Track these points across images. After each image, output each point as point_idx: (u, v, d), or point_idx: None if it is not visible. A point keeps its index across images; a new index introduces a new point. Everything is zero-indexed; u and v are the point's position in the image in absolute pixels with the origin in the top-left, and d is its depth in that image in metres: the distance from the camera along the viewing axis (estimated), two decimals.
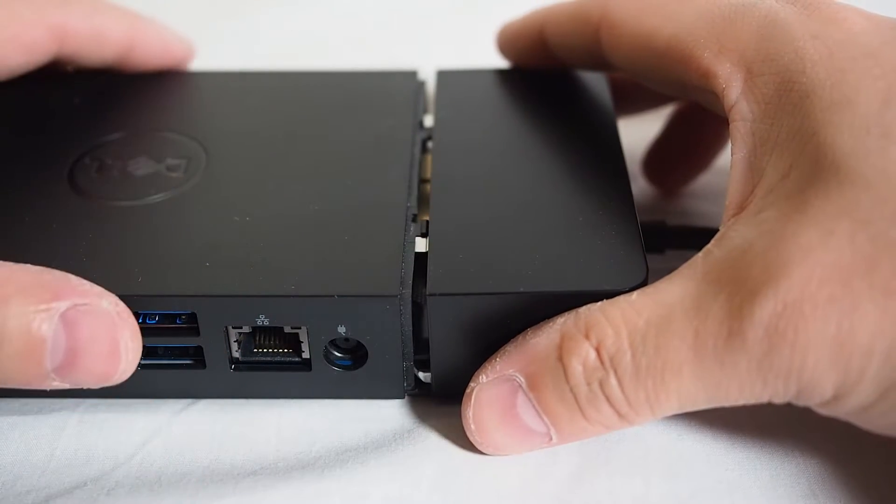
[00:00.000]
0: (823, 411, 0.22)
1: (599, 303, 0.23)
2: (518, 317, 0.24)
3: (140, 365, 0.25)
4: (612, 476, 0.25)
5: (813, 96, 0.23)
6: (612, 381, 0.22)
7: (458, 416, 0.26)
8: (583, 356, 0.23)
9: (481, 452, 0.25)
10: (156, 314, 0.25)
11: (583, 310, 0.24)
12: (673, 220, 0.30)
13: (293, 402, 0.27)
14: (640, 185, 0.35)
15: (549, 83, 0.33)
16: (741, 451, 0.25)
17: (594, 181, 0.28)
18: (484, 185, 0.28)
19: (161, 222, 0.27)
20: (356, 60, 0.42)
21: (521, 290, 0.24)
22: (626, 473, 0.25)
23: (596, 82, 0.32)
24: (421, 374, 0.26)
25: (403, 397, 0.27)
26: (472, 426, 0.25)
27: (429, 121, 0.32)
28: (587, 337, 0.23)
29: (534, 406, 0.24)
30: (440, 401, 0.27)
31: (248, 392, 0.27)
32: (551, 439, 0.24)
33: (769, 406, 0.26)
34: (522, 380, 0.24)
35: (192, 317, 0.25)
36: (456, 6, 0.46)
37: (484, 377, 0.24)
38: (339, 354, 0.26)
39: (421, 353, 0.26)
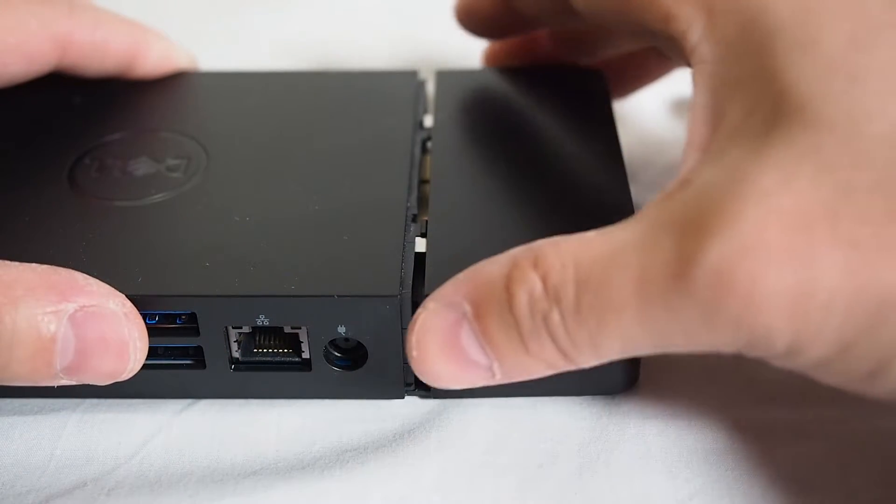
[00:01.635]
0: (776, 363, 0.21)
1: (555, 237, 0.22)
2: None
3: None
4: (612, 476, 0.25)
5: (777, 36, 0.22)
6: (556, 316, 0.21)
7: (459, 417, 0.26)
8: (529, 286, 0.22)
9: (481, 452, 0.25)
10: (156, 314, 0.25)
11: (536, 242, 0.22)
12: None
13: (293, 402, 0.27)
14: (639, 184, 0.35)
15: (548, 82, 0.33)
16: (741, 451, 0.25)
17: (592, 179, 0.28)
18: (483, 184, 0.28)
19: (161, 222, 0.27)
20: (356, 60, 0.43)
21: None
22: (626, 473, 0.25)
23: (595, 81, 0.32)
24: None
25: (403, 397, 0.27)
26: (414, 353, 0.23)
27: (429, 121, 0.32)
28: (535, 267, 0.22)
29: (477, 337, 0.22)
30: (440, 401, 0.27)
31: (248, 392, 0.27)
32: (494, 375, 0.23)
33: (770, 406, 0.26)
34: (468, 308, 0.22)
35: (192, 317, 0.25)
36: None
37: (432, 304, 0.23)
38: (339, 354, 0.26)
39: None
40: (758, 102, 0.21)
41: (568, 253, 0.22)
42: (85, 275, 0.24)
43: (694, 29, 0.24)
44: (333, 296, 0.24)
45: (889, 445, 0.25)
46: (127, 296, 0.24)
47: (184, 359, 0.26)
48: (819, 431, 0.25)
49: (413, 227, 0.27)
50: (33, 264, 0.24)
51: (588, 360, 0.22)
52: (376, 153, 0.29)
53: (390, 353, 0.25)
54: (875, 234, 0.19)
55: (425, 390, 0.27)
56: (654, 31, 0.25)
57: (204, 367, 0.26)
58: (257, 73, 0.34)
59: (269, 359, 0.26)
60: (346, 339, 0.25)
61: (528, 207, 0.27)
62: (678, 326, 0.20)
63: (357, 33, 0.45)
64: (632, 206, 0.27)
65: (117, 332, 0.23)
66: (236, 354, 0.26)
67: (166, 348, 0.26)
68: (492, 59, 0.35)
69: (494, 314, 0.22)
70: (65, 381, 0.23)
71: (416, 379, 0.26)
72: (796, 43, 0.22)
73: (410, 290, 0.25)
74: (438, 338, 0.23)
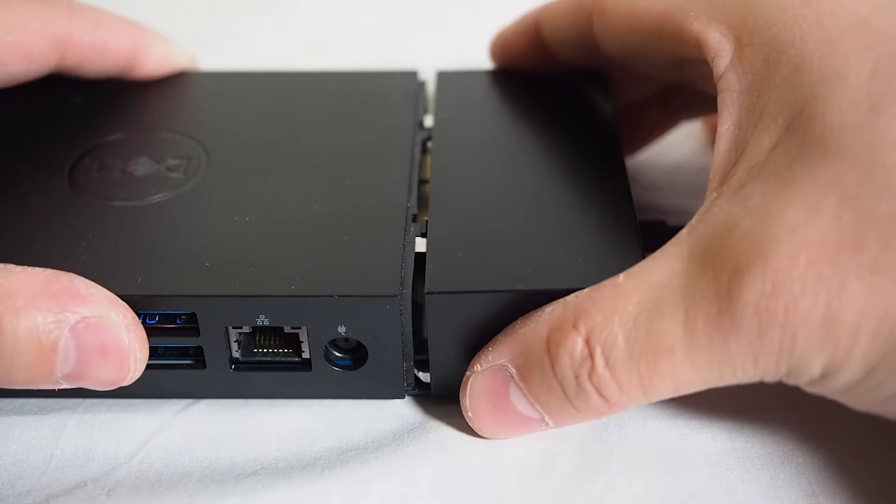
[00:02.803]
0: (811, 389, 0.22)
1: (587, 289, 0.23)
2: (516, 315, 0.24)
3: None
4: (612, 476, 0.25)
5: (802, 70, 0.22)
6: (602, 370, 0.22)
7: (459, 416, 0.26)
8: (570, 347, 0.23)
9: (481, 452, 0.25)
10: (156, 314, 0.25)
11: (570, 298, 0.23)
12: (672, 220, 0.30)
13: (293, 402, 0.27)
14: (640, 185, 0.35)
15: (549, 83, 0.33)
16: (741, 451, 0.25)
17: (593, 180, 0.28)
18: (483, 184, 0.28)
19: (161, 222, 0.27)
20: (356, 61, 0.42)
21: (520, 288, 0.24)
22: (626, 473, 0.25)
23: (596, 82, 0.32)
24: (421, 374, 0.26)
25: (403, 397, 0.27)
26: (469, 414, 0.25)
27: (429, 121, 0.32)
28: (575, 326, 0.23)
29: (525, 395, 0.24)
30: (440, 401, 0.27)
31: (248, 392, 0.27)
32: (547, 424, 0.24)
33: (770, 406, 0.26)
34: (513, 370, 0.24)
35: (193, 317, 0.25)
36: (456, 6, 0.46)
37: (478, 366, 0.24)
38: (339, 354, 0.26)
39: (421, 352, 0.26)
40: (783, 135, 0.22)
41: (608, 304, 0.22)
42: (87, 282, 0.24)
43: (722, 57, 0.24)
44: (334, 296, 0.24)
45: (890, 446, 0.25)
46: (127, 296, 0.24)
47: (184, 359, 0.26)
48: (820, 432, 0.25)
49: (413, 227, 0.27)
50: (36, 269, 0.24)
51: (637, 403, 0.23)
52: (376, 153, 0.29)
53: (390, 353, 0.25)
54: None
55: (426, 390, 0.27)
56: (683, 60, 0.26)
57: (204, 367, 0.26)
58: (257, 73, 0.34)
59: (269, 359, 0.26)
60: (347, 339, 0.25)
61: (527, 207, 0.27)
62: (726, 361, 0.21)
63: (357, 33, 0.45)
64: (632, 205, 0.27)
65: (118, 343, 0.24)
66: (236, 354, 0.26)
67: (166, 348, 0.26)
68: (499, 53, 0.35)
69: (538, 377, 0.23)
70: (65, 386, 0.24)
71: (417, 379, 0.26)
72: (822, 77, 0.22)
73: (410, 290, 0.25)
74: (489, 399, 0.24)
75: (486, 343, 0.25)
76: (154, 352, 0.25)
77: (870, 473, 0.24)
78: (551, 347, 0.23)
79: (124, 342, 0.24)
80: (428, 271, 0.25)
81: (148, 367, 0.25)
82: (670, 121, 0.35)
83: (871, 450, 0.25)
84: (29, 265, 0.24)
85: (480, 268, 0.25)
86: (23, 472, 0.25)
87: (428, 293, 0.24)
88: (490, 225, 0.26)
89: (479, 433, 0.25)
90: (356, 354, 0.26)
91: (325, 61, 0.42)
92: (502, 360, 0.24)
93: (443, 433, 0.26)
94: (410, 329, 0.25)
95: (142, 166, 0.29)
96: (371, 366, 0.25)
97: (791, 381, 0.22)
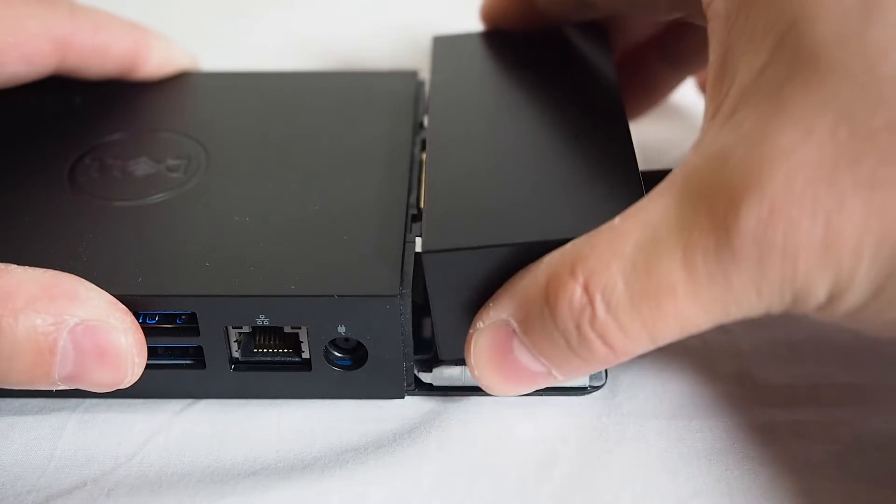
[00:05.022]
0: (820, 317, 0.21)
1: (584, 235, 0.22)
2: (517, 270, 0.23)
3: None
4: (612, 476, 0.25)
5: None
6: (604, 316, 0.21)
7: (459, 416, 0.26)
8: (569, 295, 0.22)
9: (481, 452, 0.25)
10: (156, 314, 0.25)
11: (568, 246, 0.22)
12: None
13: (293, 402, 0.27)
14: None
15: (546, 40, 0.32)
16: (741, 451, 0.25)
17: (593, 132, 0.27)
18: (480, 142, 0.27)
19: (161, 222, 0.27)
20: (357, 61, 0.42)
21: (517, 241, 0.23)
22: (626, 473, 0.25)
23: (594, 36, 0.31)
24: (422, 375, 0.26)
25: (403, 397, 0.27)
26: (476, 372, 0.24)
27: (426, 120, 0.32)
28: (573, 273, 0.22)
29: (529, 349, 0.23)
30: (440, 401, 0.27)
31: (248, 392, 0.27)
32: (555, 377, 0.23)
33: (770, 406, 0.26)
34: (515, 324, 0.23)
35: (192, 317, 0.25)
36: (457, 6, 0.46)
37: (480, 323, 0.24)
38: (339, 354, 0.26)
39: (422, 353, 0.26)
40: (772, 56, 0.21)
41: (605, 248, 0.21)
42: (87, 284, 0.24)
43: None
44: (333, 295, 0.24)
45: (889, 446, 0.25)
46: (127, 295, 0.24)
47: (184, 359, 0.26)
48: (820, 432, 0.25)
49: (413, 227, 0.27)
50: (37, 271, 0.24)
51: (644, 348, 0.22)
52: (376, 153, 0.29)
53: (390, 353, 0.25)
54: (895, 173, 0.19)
55: (426, 390, 0.27)
56: None
57: (204, 367, 0.26)
58: (257, 74, 0.34)
59: (269, 359, 0.26)
60: (346, 339, 0.25)
61: (526, 163, 0.26)
62: (729, 295, 0.21)
63: (357, 33, 0.45)
64: (634, 157, 0.26)
65: (116, 347, 0.24)
66: (236, 354, 0.26)
67: (166, 348, 0.26)
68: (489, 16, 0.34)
69: (539, 328, 0.22)
70: (63, 387, 0.24)
71: (417, 379, 0.26)
72: None
73: (410, 290, 0.25)
74: (494, 354, 0.24)
75: (488, 300, 0.24)
76: (154, 352, 0.26)
77: (870, 474, 0.24)
78: (550, 297, 0.22)
79: (122, 346, 0.24)
80: (424, 230, 0.24)
81: (148, 367, 0.25)
82: (675, 75, 0.34)
83: (871, 450, 0.25)
84: (29, 265, 0.24)
85: (478, 224, 0.24)
86: (23, 473, 0.25)
87: (424, 252, 0.23)
88: (487, 182, 0.25)
89: (487, 391, 0.24)
90: (356, 354, 0.26)
91: (326, 62, 0.42)
92: (504, 315, 0.23)
93: (443, 433, 0.26)
94: (411, 329, 0.25)
95: (142, 166, 0.29)
96: (371, 366, 0.25)
97: (798, 310, 0.21)
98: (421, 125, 0.31)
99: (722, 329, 0.27)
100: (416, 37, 0.44)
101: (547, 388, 0.26)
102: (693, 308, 0.21)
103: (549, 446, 0.25)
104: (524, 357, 0.23)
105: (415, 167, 0.29)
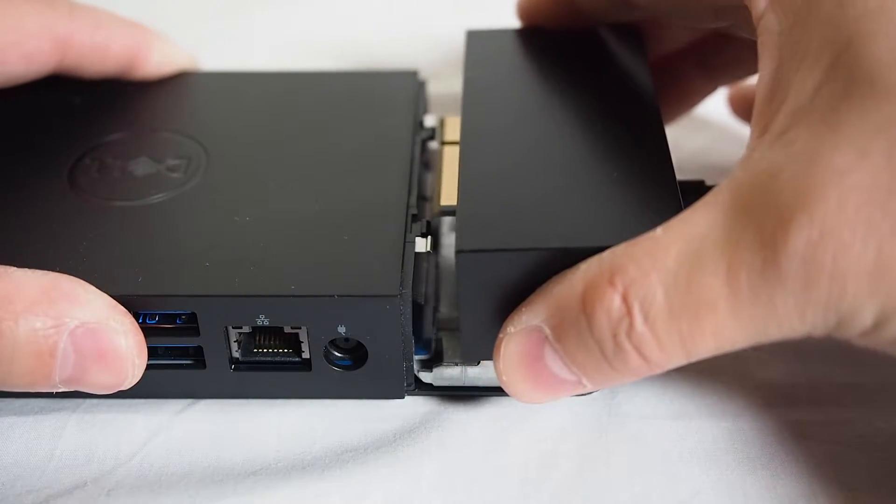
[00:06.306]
0: (862, 342, 0.21)
1: (623, 244, 0.22)
2: (551, 275, 0.23)
3: None
4: (611, 476, 0.25)
5: (845, 5, 0.21)
6: (641, 327, 0.21)
7: (459, 416, 0.26)
8: (607, 305, 0.21)
9: (481, 452, 0.25)
10: (156, 314, 0.25)
11: (606, 254, 0.22)
12: (712, 181, 0.29)
13: (293, 401, 0.27)
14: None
15: (581, 40, 0.31)
16: (741, 451, 0.25)
17: (630, 137, 0.26)
18: (515, 143, 0.26)
19: (161, 222, 0.27)
20: (357, 60, 0.42)
21: (554, 245, 0.23)
22: (626, 474, 0.25)
23: (629, 38, 0.31)
24: (422, 375, 0.26)
25: (403, 397, 0.27)
26: (504, 378, 0.23)
27: (429, 120, 0.32)
28: (612, 283, 0.21)
29: (561, 357, 0.23)
30: (440, 401, 0.27)
31: (247, 392, 0.27)
32: (584, 387, 0.23)
33: (770, 406, 0.26)
34: (548, 331, 0.22)
35: (192, 317, 0.25)
36: (457, 6, 0.46)
37: (511, 328, 0.23)
38: (339, 354, 0.26)
39: (422, 352, 0.26)
40: (827, 76, 0.21)
41: (646, 258, 0.21)
42: (87, 287, 0.24)
43: None
44: (333, 296, 0.24)
45: (891, 446, 0.25)
46: (127, 296, 0.24)
47: (184, 359, 0.26)
48: (820, 432, 0.25)
49: (413, 227, 0.27)
50: (37, 273, 0.24)
51: (677, 363, 0.22)
52: (376, 153, 0.29)
53: (390, 353, 0.25)
54: None
55: (426, 390, 0.27)
56: (720, 5, 0.25)
57: (204, 367, 0.26)
58: (257, 74, 0.34)
59: (269, 359, 0.26)
60: (346, 339, 0.25)
61: (561, 164, 0.26)
62: (771, 315, 0.20)
63: (358, 33, 0.45)
64: (670, 162, 0.25)
65: (116, 349, 0.24)
66: (236, 354, 0.26)
67: (166, 348, 0.26)
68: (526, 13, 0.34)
69: (574, 336, 0.22)
70: (63, 389, 0.24)
71: (417, 379, 0.26)
72: (865, 10, 0.21)
73: (410, 290, 0.25)
74: (524, 361, 0.23)
75: (519, 304, 0.23)
76: (154, 352, 0.26)
77: (871, 473, 0.24)
78: (587, 305, 0.22)
79: (122, 348, 0.24)
80: (458, 230, 0.23)
81: (148, 366, 0.25)
82: (709, 84, 0.34)
83: (871, 449, 0.25)
84: (29, 265, 0.24)
85: (514, 226, 0.23)
86: (22, 473, 0.25)
87: (459, 252, 0.23)
88: (522, 183, 0.25)
89: (515, 398, 0.24)
90: (356, 354, 0.26)
91: (326, 61, 0.42)
92: (537, 321, 0.23)
93: (443, 433, 0.26)
94: (411, 329, 0.25)
95: (142, 166, 0.29)
96: (371, 366, 0.25)
97: (841, 335, 0.21)
98: (421, 125, 0.31)
99: None
100: (417, 36, 0.44)
101: None
102: (732, 326, 0.21)
103: (549, 446, 0.25)
104: (555, 365, 0.23)
105: (415, 167, 0.29)
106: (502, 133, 0.27)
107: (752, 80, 0.35)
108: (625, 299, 0.21)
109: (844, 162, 0.20)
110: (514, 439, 0.26)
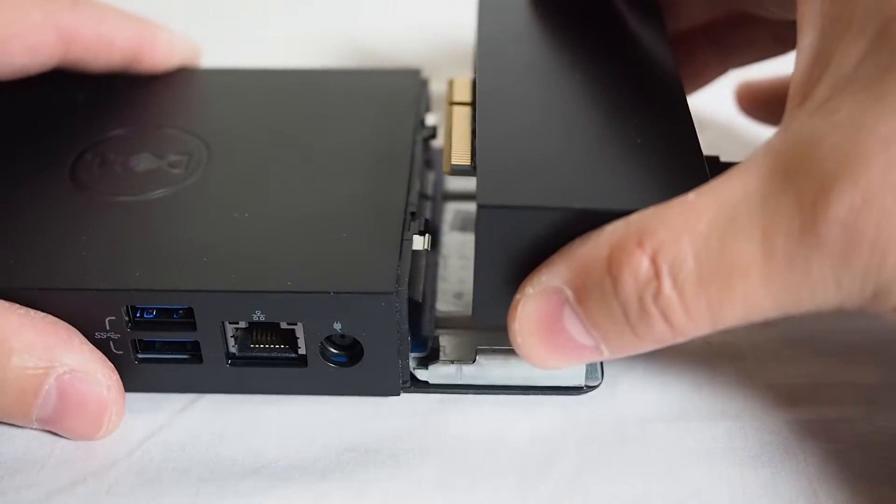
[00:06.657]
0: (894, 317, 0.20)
1: (652, 207, 0.21)
2: (572, 237, 0.22)
3: (137, 359, 0.26)
4: (612, 476, 0.24)
5: None
6: (669, 291, 0.20)
7: (458, 416, 0.26)
8: (634, 267, 0.21)
9: (481, 452, 0.25)
10: (153, 308, 0.25)
11: (635, 216, 0.21)
12: (727, 157, 0.29)
13: (293, 401, 0.27)
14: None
15: (600, 5, 0.30)
16: (741, 451, 0.25)
17: (651, 102, 0.26)
18: (533, 103, 0.26)
19: (161, 218, 0.27)
20: (358, 59, 0.42)
21: (578, 206, 0.22)
22: (626, 473, 0.24)
23: (648, 9, 0.30)
24: (418, 372, 0.26)
25: (399, 394, 0.27)
26: (518, 339, 0.23)
27: (431, 119, 0.32)
28: (640, 245, 0.21)
29: (581, 321, 0.22)
30: (440, 401, 0.26)
31: (244, 387, 0.27)
32: (602, 353, 0.22)
33: (771, 407, 0.26)
34: (570, 293, 0.22)
35: (189, 311, 0.25)
36: (458, 6, 0.46)
37: (530, 289, 0.22)
38: (334, 351, 0.26)
39: (418, 350, 0.26)
40: (873, 45, 0.21)
41: (678, 223, 0.20)
42: (82, 338, 0.25)
43: None
44: (329, 292, 0.24)
45: (891, 446, 0.25)
46: (125, 290, 0.24)
47: (180, 353, 0.26)
48: (821, 432, 0.25)
49: (412, 225, 0.27)
50: (38, 316, 0.25)
51: (702, 331, 0.21)
52: (377, 151, 0.29)
53: (386, 350, 0.25)
54: None
55: (422, 388, 0.26)
56: None
57: (200, 361, 0.26)
58: (260, 71, 0.34)
59: (265, 354, 0.26)
60: (342, 336, 0.25)
61: (582, 125, 0.25)
62: (805, 284, 0.20)
63: (360, 31, 0.45)
64: (693, 126, 0.25)
65: (97, 400, 0.25)
66: (233, 350, 0.26)
67: (163, 343, 0.26)
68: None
69: (597, 299, 0.21)
70: (36, 427, 0.25)
71: (413, 376, 0.26)
72: None
73: (407, 288, 0.25)
74: (541, 324, 0.22)
75: (537, 265, 0.23)
76: (151, 346, 0.26)
77: (872, 473, 0.24)
78: (613, 267, 0.21)
79: (104, 401, 0.25)
80: (479, 184, 0.22)
81: (145, 361, 0.25)
82: (721, 65, 0.34)
83: (871, 449, 0.25)
84: (29, 258, 0.25)
85: (537, 184, 0.23)
86: (23, 468, 0.25)
87: (481, 206, 0.22)
88: (544, 143, 0.24)
89: (528, 362, 0.23)
90: (352, 351, 0.26)
91: (328, 60, 0.42)
92: (557, 282, 0.22)
93: (443, 433, 0.26)
94: (407, 326, 0.25)
95: (143, 162, 0.29)
96: (366, 363, 0.25)
97: (875, 307, 0.20)
98: (422, 123, 0.31)
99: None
100: (418, 36, 0.44)
101: (542, 387, 0.26)
102: (764, 293, 0.20)
103: (548, 446, 0.25)
104: (575, 328, 0.22)
105: (415, 166, 0.29)
106: (520, 92, 0.26)
107: (761, 72, 0.35)
108: (653, 262, 0.20)
109: (890, 130, 0.19)
110: (514, 439, 0.25)
